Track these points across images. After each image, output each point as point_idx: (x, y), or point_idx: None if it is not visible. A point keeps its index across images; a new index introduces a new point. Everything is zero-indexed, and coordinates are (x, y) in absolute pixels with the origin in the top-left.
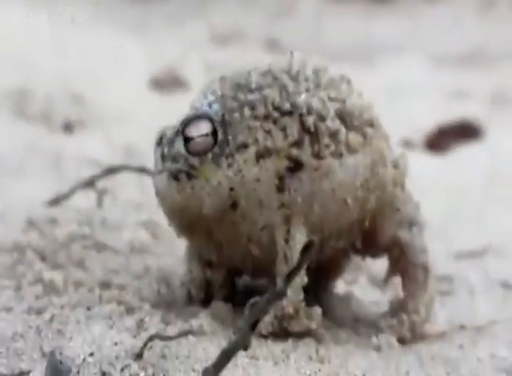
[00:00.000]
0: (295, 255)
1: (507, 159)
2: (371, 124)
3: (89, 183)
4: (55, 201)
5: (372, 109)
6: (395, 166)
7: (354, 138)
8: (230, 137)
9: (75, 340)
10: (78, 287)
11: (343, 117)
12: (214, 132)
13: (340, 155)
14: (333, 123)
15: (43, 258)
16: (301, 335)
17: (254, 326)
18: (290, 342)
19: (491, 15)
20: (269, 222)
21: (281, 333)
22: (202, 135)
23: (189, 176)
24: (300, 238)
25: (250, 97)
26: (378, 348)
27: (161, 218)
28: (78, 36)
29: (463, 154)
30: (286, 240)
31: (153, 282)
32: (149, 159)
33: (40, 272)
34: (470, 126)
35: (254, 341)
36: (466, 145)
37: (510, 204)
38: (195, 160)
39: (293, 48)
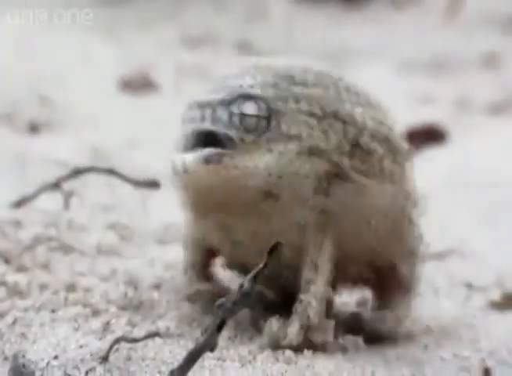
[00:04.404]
0: (324, 264)
1: (470, 163)
2: (401, 155)
3: (56, 185)
4: (20, 203)
5: (403, 137)
6: (409, 198)
7: (389, 163)
8: (274, 123)
9: (39, 343)
10: (43, 289)
11: (379, 138)
12: (258, 115)
13: (374, 175)
14: (371, 142)
15: (7, 261)
16: (320, 348)
17: (220, 327)
18: (256, 344)
19: (456, 23)
20: (302, 220)
21: (304, 344)
22: (248, 115)
23: (230, 156)
24: (329, 247)
25: (296, 90)
26: (344, 349)
27: (129, 220)
28: (46, 37)
29: (429, 158)
30: (317, 247)
31: (121, 284)
32: (118, 160)
33: (3, 275)
34: (435, 130)
35: (221, 343)
36: (432, 149)
37: (473, 207)
38: (238, 141)
39: (265, 52)
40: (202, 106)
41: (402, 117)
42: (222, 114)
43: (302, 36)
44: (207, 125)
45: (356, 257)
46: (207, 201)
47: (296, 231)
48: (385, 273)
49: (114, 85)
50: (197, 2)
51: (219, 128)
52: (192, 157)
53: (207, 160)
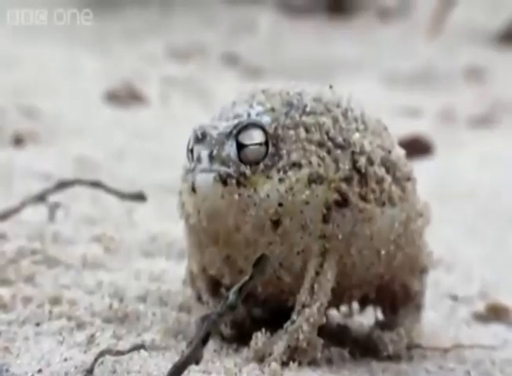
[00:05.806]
0: (322, 290)
1: (455, 175)
2: (408, 177)
3: (41, 197)
4: (5, 216)
5: (408, 161)
6: (420, 215)
7: (395, 190)
8: (284, 152)
9: (23, 357)
10: (27, 302)
11: (387, 166)
12: (266, 143)
13: (382, 204)
14: (379, 170)
15: None
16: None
17: (205, 340)
18: (242, 356)
19: (439, 37)
20: (307, 248)
21: (289, 361)
22: (255, 144)
23: (238, 183)
24: (330, 276)
25: (305, 119)
26: (329, 361)
27: (115, 233)
28: (32, 47)
29: (414, 169)
30: (317, 273)
31: (106, 297)
32: (104, 172)
33: None
34: (421, 142)
35: (206, 356)
36: (417, 161)
37: (458, 218)
38: (246, 169)
39: (252, 64)
40: (201, 141)
41: (389, 129)
42: (221, 150)
43: (289, 48)
44: (205, 166)
45: (364, 281)
46: (210, 229)
47: (296, 257)
48: (396, 292)
49: (101, 97)
50: (184, 15)
51: (217, 168)
52: (203, 178)
53: (218, 183)
